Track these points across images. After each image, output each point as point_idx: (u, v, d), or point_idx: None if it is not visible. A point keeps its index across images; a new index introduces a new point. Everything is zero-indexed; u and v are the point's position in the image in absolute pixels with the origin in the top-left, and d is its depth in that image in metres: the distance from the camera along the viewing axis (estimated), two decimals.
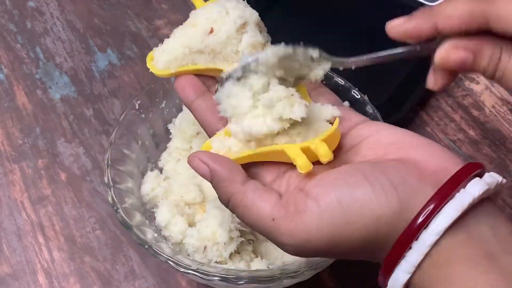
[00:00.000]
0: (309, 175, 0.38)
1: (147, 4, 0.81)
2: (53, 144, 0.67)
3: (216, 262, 0.50)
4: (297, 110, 0.39)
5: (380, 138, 0.39)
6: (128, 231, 0.49)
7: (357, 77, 0.56)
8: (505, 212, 0.60)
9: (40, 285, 0.57)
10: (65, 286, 0.57)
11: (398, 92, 0.65)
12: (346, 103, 0.50)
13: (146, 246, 0.47)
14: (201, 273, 0.46)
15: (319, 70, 0.42)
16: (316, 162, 0.39)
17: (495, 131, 0.66)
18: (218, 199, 0.53)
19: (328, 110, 0.41)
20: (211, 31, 0.44)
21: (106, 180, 0.51)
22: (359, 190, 0.35)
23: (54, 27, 0.79)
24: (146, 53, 0.74)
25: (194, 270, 0.46)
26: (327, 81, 0.56)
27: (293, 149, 0.38)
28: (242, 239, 0.51)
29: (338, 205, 0.35)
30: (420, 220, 0.33)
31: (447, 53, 0.37)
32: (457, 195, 0.34)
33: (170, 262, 0.47)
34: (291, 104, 0.39)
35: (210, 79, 0.46)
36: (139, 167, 0.56)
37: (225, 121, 0.42)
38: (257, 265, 0.51)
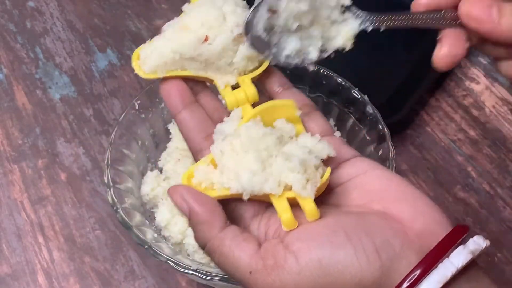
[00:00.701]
0: None
1: (147, 4, 0.81)
2: (53, 144, 0.67)
3: None
4: (309, 188, 0.36)
5: (366, 181, 0.38)
6: (128, 231, 0.49)
7: (357, 77, 0.56)
8: (505, 213, 0.60)
9: (40, 285, 0.57)
10: (65, 286, 0.57)
11: (398, 92, 0.65)
12: (337, 133, 0.46)
13: (146, 246, 0.47)
14: (201, 273, 0.46)
15: (348, 30, 0.39)
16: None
17: (495, 131, 0.66)
18: None
19: (324, 148, 0.38)
20: (206, 39, 0.41)
21: (106, 180, 0.51)
22: (341, 251, 0.34)
23: (54, 27, 0.79)
24: None
25: (194, 270, 0.46)
26: (327, 80, 0.56)
27: (279, 200, 0.36)
28: None
29: (318, 264, 0.34)
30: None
31: (471, 4, 0.36)
32: (440, 265, 0.33)
33: (170, 262, 0.47)
34: (306, 179, 0.37)
35: (199, 84, 0.44)
36: (139, 167, 0.56)
37: (211, 140, 0.40)
38: None
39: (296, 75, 0.51)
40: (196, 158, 0.41)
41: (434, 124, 0.67)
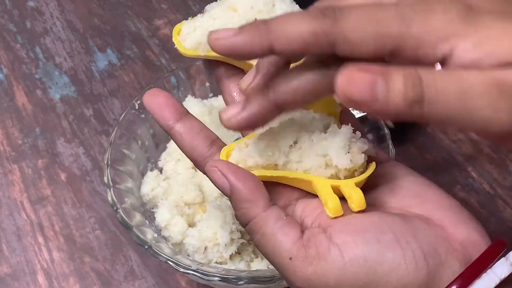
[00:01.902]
0: None
1: (147, 4, 0.81)
2: (53, 144, 0.67)
3: (216, 262, 0.50)
4: (356, 175, 0.36)
5: (402, 185, 0.37)
6: (128, 231, 0.49)
7: None
8: (505, 213, 0.60)
9: (40, 285, 0.57)
10: (65, 286, 0.57)
11: None
12: (369, 136, 0.45)
13: (146, 246, 0.47)
14: (201, 273, 0.46)
15: None
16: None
17: None
18: (218, 199, 0.53)
19: (365, 144, 0.36)
20: None
21: (106, 180, 0.51)
22: (390, 252, 0.32)
23: (54, 27, 0.79)
24: (146, 53, 0.75)
25: (194, 270, 0.46)
26: None
27: (324, 187, 0.35)
28: (243, 240, 0.51)
29: (364, 262, 0.32)
30: None
31: (349, 78, 0.27)
32: (484, 275, 0.32)
33: (170, 262, 0.47)
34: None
35: (235, 68, 0.41)
36: (139, 167, 0.56)
37: (217, 146, 0.38)
38: (257, 265, 0.51)
39: None
40: (201, 169, 0.39)
41: None
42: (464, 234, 0.34)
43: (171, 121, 0.39)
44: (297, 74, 0.32)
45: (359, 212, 0.35)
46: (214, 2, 0.41)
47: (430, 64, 0.30)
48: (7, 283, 0.57)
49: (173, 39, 0.41)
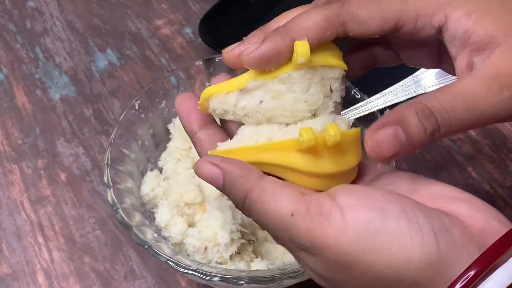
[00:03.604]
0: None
1: (147, 4, 0.81)
2: (53, 144, 0.67)
3: (216, 262, 0.50)
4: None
5: (414, 187, 0.35)
6: (128, 231, 0.49)
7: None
8: (505, 213, 0.60)
9: (40, 285, 0.57)
10: (65, 286, 0.57)
11: None
12: None
13: (146, 246, 0.47)
14: (201, 273, 0.46)
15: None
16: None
17: (495, 131, 0.66)
18: (218, 199, 0.53)
19: (349, 121, 0.37)
20: None
21: (106, 180, 0.51)
22: (393, 220, 0.31)
23: (53, 27, 0.79)
24: (146, 53, 0.75)
25: (194, 270, 0.46)
26: None
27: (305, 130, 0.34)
28: (243, 240, 0.51)
29: (365, 226, 0.31)
30: (463, 282, 0.29)
31: (375, 142, 0.32)
32: (511, 259, 0.30)
33: (170, 262, 0.47)
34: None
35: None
36: (139, 167, 0.56)
37: None
38: (257, 265, 0.51)
39: None
40: None
41: None
42: (482, 222, 0.32)
43: (195, 127, 0.39)
44: (310, 12, 0.35)
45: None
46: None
47: (429, 36, 0.35)
48: (7, 283, 0.57)
49: (200, 101, 0.39)
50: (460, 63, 0.35)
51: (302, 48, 0.34)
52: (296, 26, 0.35)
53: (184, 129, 0.40)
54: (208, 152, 0.38)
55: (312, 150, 0.34)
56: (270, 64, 0.35)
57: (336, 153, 0.35)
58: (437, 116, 0.31)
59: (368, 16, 0.35)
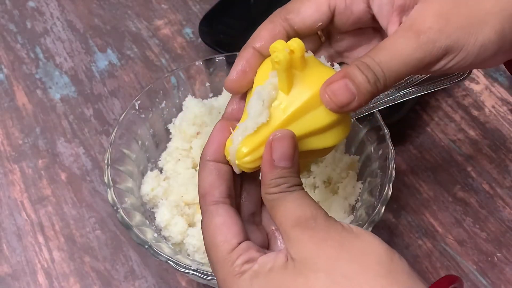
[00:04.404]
0: None
1: (147, 4, 0.81)
2: (53, 144, 0.67)
3: None
4: None
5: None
6: (128, 231, 0.49)
7: None
8: (504, 212, 0.60)
9: (40, 285, 0.57)
10: (65, 286, 0.57)
11: None
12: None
13: (146, 246, 0.47)
14: (201, 273, 0.46)
15: None
16: None
17: (495, 131, 0.66)
18: None
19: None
20: None
21: (106, 180, 0.51)
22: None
23: (54, 27, 0.79)
24: (146, 53, 0.75)
25: (194, 270, 0.46)
26: None
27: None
28: None
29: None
30: None
31: (330, 92, 0.36)
32: None
33: (170, 262, 0.47)
34: None
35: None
36: (139, 167, 0.56)
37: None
38: None
39: None
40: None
41: (434, 124, 0.67)
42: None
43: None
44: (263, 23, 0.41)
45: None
46: None
47: (361, 13, 0.41)
48: (7, 283, 0.57)
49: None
50: (391, 31, 0.40)
51: (276, 46, 0.37)
52: (252, 38, 0.40)
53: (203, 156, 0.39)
54: (230, 137, 0.38)
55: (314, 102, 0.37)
56: (244, 78, 0.39)
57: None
58: (374, 69, 0.37)
59: (304, 5, 0.40)
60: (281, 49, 0.36)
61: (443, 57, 0.38)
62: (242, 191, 0.40)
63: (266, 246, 0.39)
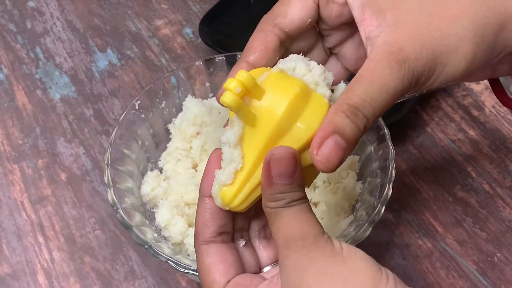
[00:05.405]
0: None
1: (147, 4, 0.81)
2: (53, 144, 0.67)
3: None
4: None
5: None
6: (128, 231, 0.49)
7: None
8: (504, 212, 0.60)
9: (40, 285, 0.57)
10: (65, 286, 0.57)
11: None
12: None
13: (146, 246, 0.47)
14: None
15: None
16: None
17: (495, 131, 0.66)
18: None
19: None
20: None
21: (106, 180, 0.51)
22: None
23: (54, 27, 0.79)
24: (146, 53, 0.75)
25: (194, 270, 0.46)
26: None
27: None
28: None
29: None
30: None
31: (322, 157, 0.35)
32: None
33: (170, 262, 0.47)
34: None
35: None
36: (139, 167, 0.56)
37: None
38: None
39: None
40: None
41: (434, 124, 0.67)
42: None
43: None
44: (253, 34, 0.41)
45: None
46: None
47: (341, 5, 0.40)
48: (7, 283, 0.57)
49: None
50: (363, 28, 0.38)
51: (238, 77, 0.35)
52: (245, 51, 0.40)
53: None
54: (221, 196, 0.38)
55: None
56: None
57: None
58: (363, 111, 0.35)
59: (290, 6, 0.40)
60: (227, 93, 0.35)
61: (418, 83, 0.37)
62: (251, 207, 0.39)
63: (277, 259, 0.38)
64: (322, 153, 0.34)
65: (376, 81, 0.35)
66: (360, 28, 0.39)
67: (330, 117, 0.35)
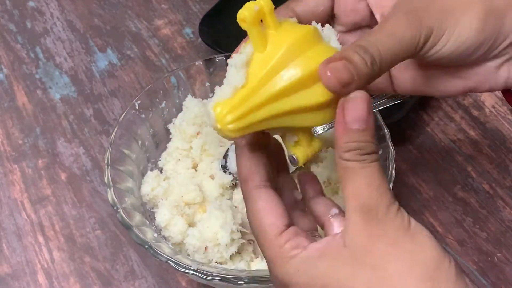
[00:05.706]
0: None
1: (147, 4, 0.81)
2: (53, 144, 0.67)
3: (216, 262, 0.50)
4: None
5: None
6: (128, 231, 0.49)
7: None
8: (504, 212, 0.60)
9: (40, 285, 0.57)
10: (65, 286, 0.57)
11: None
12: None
13: (146, 246, 0.47)
14: (201, 273, 0.46)
15: None
16: None
17: (495, 131, 0.66)
18: (218, 199, 0.53)
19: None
20: None
21: (106, 180, 0.51)
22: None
23: (54, 27, 0.79)
24: (146, 53, 0.75)
25: (194, 270, 0.46)
26: None
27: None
28: (243, 240, 0.51)
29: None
30: None
31: (329, 70, 0.35)
32: None
33: (170, 262, 0.47)
34: None
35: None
36: (139, 167, 0.56)
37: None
38: (257, 265, 0.51)
39: None
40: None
41: (434, 124, 0.67)
42: None
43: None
44: None
45: None
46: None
47: None
48: (7, 283, 0.57)
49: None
50: (379, 9, 0.41)
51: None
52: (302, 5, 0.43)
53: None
54: (214, 106, 0.37)
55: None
56: None
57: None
58: (369, 49, 0.35)
59: None
60: (246, 7, 0.36)
61: (429, 39, 0.38)
62: (279, 183, 0.40)
63: (313, 232, 0.39)
64: (332, 66, 0.35)
65: (384, 28, 0.37)
66: (376, 15, 0.42)
67: (340, 50, 0.37)
